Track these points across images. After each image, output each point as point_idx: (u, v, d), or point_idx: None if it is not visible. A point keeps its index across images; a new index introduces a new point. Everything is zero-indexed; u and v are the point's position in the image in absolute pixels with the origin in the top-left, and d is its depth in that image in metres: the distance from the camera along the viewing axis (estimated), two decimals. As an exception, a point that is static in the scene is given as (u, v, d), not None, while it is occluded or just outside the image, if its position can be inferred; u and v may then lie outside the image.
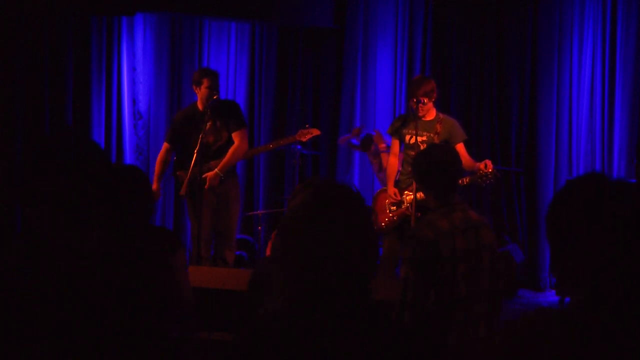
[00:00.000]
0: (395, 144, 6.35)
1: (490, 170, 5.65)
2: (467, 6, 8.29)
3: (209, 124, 6.38)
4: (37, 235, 1.95)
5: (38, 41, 7.88)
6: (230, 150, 6.44)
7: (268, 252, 7.07)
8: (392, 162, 6.38)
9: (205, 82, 6.41)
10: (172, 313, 3.04)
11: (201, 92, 6.43)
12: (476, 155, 6.76)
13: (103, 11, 7.81)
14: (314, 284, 1.70)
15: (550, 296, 7.78)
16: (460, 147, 6.07)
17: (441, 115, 6.23)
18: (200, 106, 6.47)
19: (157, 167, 6.63)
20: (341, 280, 1.71)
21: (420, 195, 5.74)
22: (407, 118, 6.25)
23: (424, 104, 6.04)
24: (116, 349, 1.94)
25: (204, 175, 6.34)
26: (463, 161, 5.96)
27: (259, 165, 8.58)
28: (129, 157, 8.36)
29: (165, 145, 6.71)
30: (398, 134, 6.28)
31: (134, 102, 8.45)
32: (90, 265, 1.95)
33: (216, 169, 6.39)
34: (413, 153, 5.93)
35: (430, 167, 3.61)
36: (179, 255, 3.15)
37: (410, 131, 6.10)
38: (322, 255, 1.70)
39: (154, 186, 6.50)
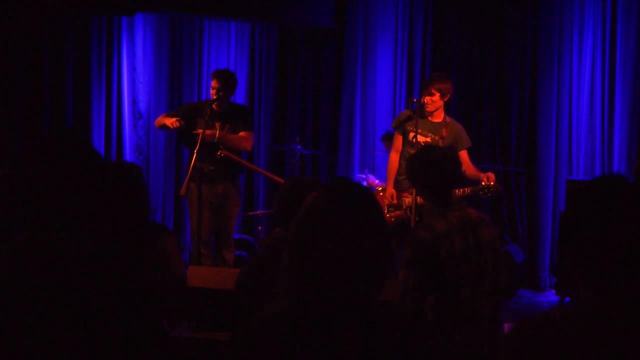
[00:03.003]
0: (398, 139, 6.29)
1: (492, 183, 5.63)
2: (467, 6, 8.29)
3: (217, 124, 6.40)
4: (31, 235, 1.95)
5: (38, 41, 7.88)
6: (237, 135, 6.44)
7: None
8: (393, 159, 6.31)
9: (212, 83, 6.44)
10: (165, 300, 3.04)
11: (211, 92, 6.47)
12: (476, 156, 6.77)
13: (103, 11, 7.81)
14: (331, 281, 1.70)
15: (550, 296, 7.77)
16: (464, 154, 6.05)
17: (448, 119, 6.19)
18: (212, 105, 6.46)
19: (162, 119, 6.55)
20: (358, 278, 1.70)
21: (420, 199, 5.71)
22: (412, 115, 6.19)
23: (432, 94, 6.02)
24: (112, 348, 1.94)
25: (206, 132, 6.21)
26: (465, 168, 5.97)
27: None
28: (129, 157, 8.36)
29: (164, 114, 6.71)
30: (402, 128, 6.24)
31: (134, 102, 8.45)
32: (83, 264, 1.95)
33: (217, 132, 6.35)
34: (413, 151, 5.92)
35: (425, 168, 3.59)
36: (165, 239, 3.14)
37: (413, 128, 6.06)
38: (335, 254, 1.69)
39: (171, 119, 6.38)
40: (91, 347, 1.88)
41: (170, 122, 6.36)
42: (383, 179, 7.45)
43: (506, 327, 3.72)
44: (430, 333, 3.39)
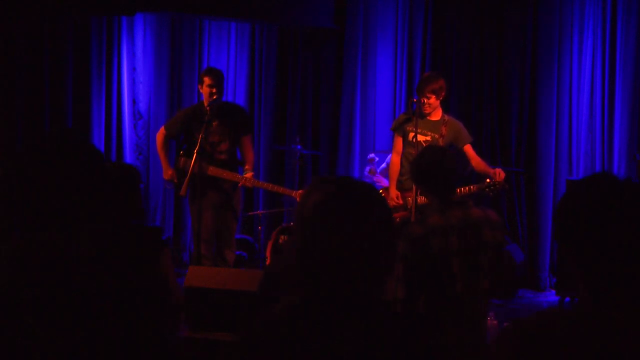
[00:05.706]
0: (398, 141, 6.30)
1: (499, 180, 5.63)
2: (467, 6, 8.29)
3: (215, 123, 6.40)
4: (31, 235, 1.95)
5: (38, 41, 7.88)
6: (249, 154, 6.53)
7: (268, 253, 7.09)
8: (395, 161, 6.33)
9: (206, 81, 6.43)
10: (160, 311, 3.04)
11: (203, 91, 6.46)
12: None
13: (103, 11, 7.81)
14: (331, 281, 1.70)
15: (550, 296, 7.77)
16: (469, 149, 6.07)
17: (446, 117, 6.19)
18: (206, 104, 6.48)
19: (161, 153, 6.62)
20: (358, 278, 1.70)
21: (421, 199, 5.72)
22: (410, 115, 6.20)
23: (427, 98, 6.03)
24: (112, 348, 1.94)
25: (244, 178, 6.34)
26: (474, 163, 5.99)
27: (259, 166, 8.58)
28: (129, 157, 8.37)
29: (162, 130, 6.67)
30: (401, 130, 6.25)
31: (134, 102, 8.45)
32: (83, 264, 1.95)
33: (251, 172, 6.43)
34: (414, 151, 5.92)
35: (426, 167, 3.62)
36: (164, 253, 3.15)
37: (413, 128, 6.06)
38: (340, 252, 1.69)
39: (169, 172, 6.51)
40: (91, 347, 1.88)
41: (167, 174, 6.52)
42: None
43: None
44: (430, 333, 3.39)
